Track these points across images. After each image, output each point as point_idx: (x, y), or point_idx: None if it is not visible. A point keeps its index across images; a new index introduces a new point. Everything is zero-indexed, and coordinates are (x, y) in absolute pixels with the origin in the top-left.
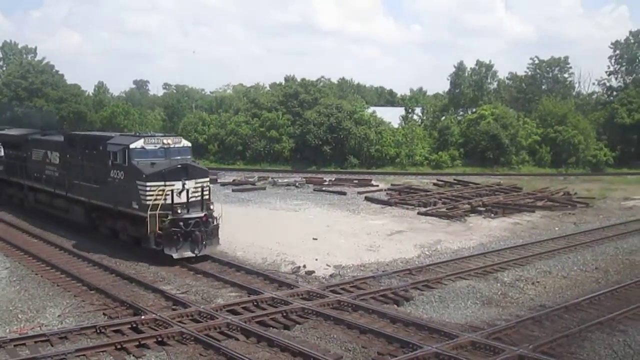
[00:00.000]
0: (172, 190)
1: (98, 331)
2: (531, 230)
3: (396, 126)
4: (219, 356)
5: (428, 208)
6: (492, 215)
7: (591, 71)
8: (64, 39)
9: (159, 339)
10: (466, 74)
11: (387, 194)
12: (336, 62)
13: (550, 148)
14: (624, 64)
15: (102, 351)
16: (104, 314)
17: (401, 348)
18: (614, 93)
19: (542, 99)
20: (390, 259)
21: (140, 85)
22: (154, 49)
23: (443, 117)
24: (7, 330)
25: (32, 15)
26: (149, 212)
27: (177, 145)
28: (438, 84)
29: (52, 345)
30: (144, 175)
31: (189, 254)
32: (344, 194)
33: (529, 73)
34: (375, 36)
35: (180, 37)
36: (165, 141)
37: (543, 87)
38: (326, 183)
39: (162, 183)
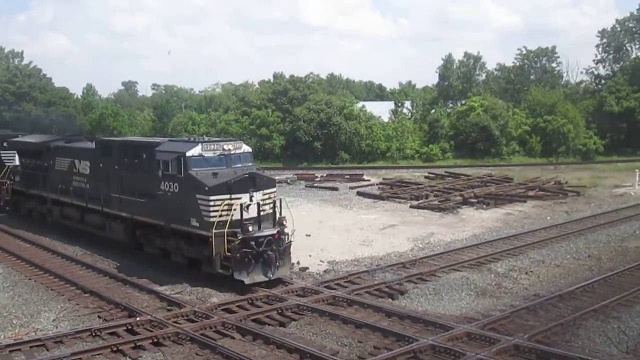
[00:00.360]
0: (240, 205)
1: (93, 334)
2: (523, 220)
3: (386, 120)
4: (215, 355)
5: (420, 201)
6: (484, 206)
7: (579, 60)
8: (50, 42)
9: (155, 340)
10: (454, 66)
11: (378, 188)
12: (324, 58)
13: (540, 138)
14: (611, 52)
15: (98, 354)
16: (98, 316)
17: (397, 342)
18: (602, 81)
19: (530, 89)
20: (383, 253)
21: (129, 86)
22: (141, 49)
23: (433, 110)
24: (2, 336)
25: (17, 19)
26: (213, 231)
27: (237, 151)
28: (427, 77)
29: (47, 350)
30: (206, 188)
31: (261, 278)
32: (336, 189)
33: (517, 63)
34: (363, 31)
35: (168, 37)
36: (225, 147)
37: (531, 77)
38: (318, 179)
39: (228, 196)
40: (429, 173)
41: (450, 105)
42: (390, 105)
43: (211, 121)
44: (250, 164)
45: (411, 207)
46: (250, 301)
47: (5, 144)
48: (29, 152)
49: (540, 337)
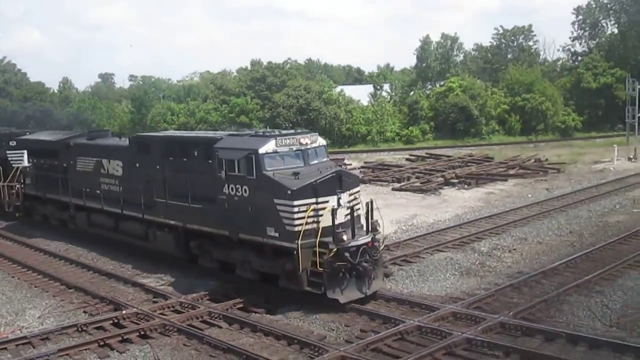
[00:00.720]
0: (332, 209)
1: (79, 329)
2: (505, 198)
3: (365, 104)
4: (203, 345)
5: (402, 183)
6: (466, 186)
7: (555, 38)
8: (23, 36)
9: (142, 333)
10: (432, 48)
11: (360, 171)
12: (302, 44)
13: (519, 116)
14: (587, 29)
15: (85, 349)
16: (84, 311)
17: (384, 324)
18: (579, 58)
19: (508, 68)
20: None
21: (106, 78)
22: (116, 41)
23: (412, 92)
24: None
25: None
26: (299, 242)
27: (313, 145)
28: (405, 60)
29: (34, 347)
30: (288, 192)
31: (357, 295)
32: None
33: (494, 43)
34: (340, 14)
35: (143, 27)
36: (302, 140)
37: (509, 56)
38: None
39: (314, 200)
40: (410, 155)
41: (429, 86)
42: (369, 88)
43: (190, 111)
44: (325, 159)
45: (393, 189)
46: (237, 290)
47: (12, 143)
48: (43, 151)
49: (525, 314)
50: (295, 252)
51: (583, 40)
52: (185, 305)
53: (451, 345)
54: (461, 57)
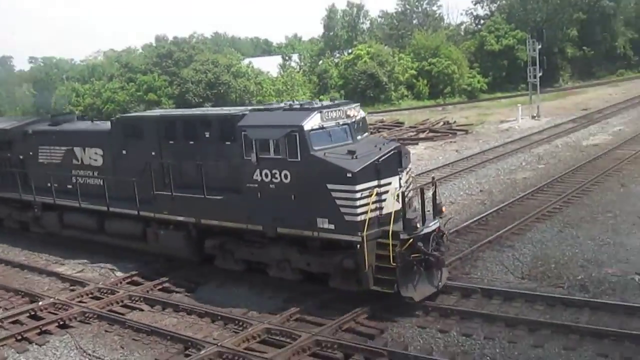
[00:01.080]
0: (402, 193)
1: None
2: (417, 162)
3: (275, 75)
4: (125, 329)
5: None
6: None
7: (458, 2)
8: None
9: (61, 323)
10: (338, 16)
11: None
12: (209, 15)
13: (426, 81)
14: None
15: (2, 345)
16: None
17: (305, 295)
18: (482, 22)
19: (414, 33)
20: None
21: (4, 61)
22: (11, 20)
23: (320, 61)
24: None
25: None
26: (365, 233)
27: (358, 118)
28: (313, 29)
29: None
30: (348, 174)
31: (430, 289)
32: None
33: (400, 9)
34: None
35: (39, 3)
36: (349, 112)
37: (414, 22)
38: None
39: (376, 182)
40: None
41: (338, 55)
42: (278, 59)
43: (96, 91)
44: (366, 133)
45: None
46: (155, 270)
47: None
48: None
49: None
50: (358, 245)
51: (485, 4)
52: (104, 291)
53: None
54: (367, 24)
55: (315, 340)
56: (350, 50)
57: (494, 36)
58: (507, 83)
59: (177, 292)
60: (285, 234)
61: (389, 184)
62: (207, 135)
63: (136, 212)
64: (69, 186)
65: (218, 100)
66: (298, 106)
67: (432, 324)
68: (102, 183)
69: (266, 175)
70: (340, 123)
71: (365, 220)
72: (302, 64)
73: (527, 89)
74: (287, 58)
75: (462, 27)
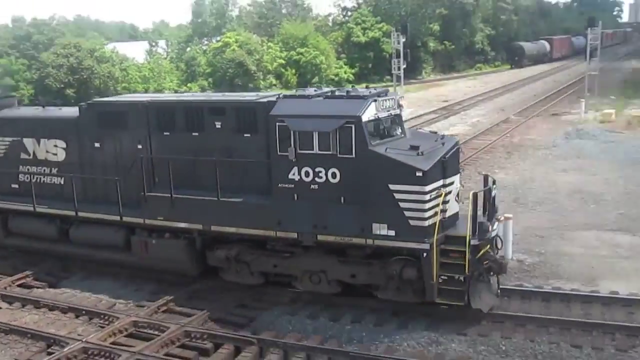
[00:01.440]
0: (475, 194)
1: None
2: None
3: (142, 61)
4: None
5: None
6: None
7: None
8: None
9: None
10: (207, 3)
11: None
12: None
13: (295, 70)
14: None
15: None
16: None
17: (173, 286)
18: (349, 13)
19: (283, 23)
20: None
21: None
22: None
23: (188, 49)
24: None
25: None
26: (434, 239)
27: (402, 108)
28: (181, 16)
29: None
30: (418, 173)
31: (493, 300)
32: None
33: None
34: None
35: None
36: (400, 101)
37: (283, 11)
38: None
39: (442, 182)
40: None
41: (206, 42)
42: (144, 45)
43: None
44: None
45: None
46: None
47: None
48: None
49: None
50: (425, 254)
51: None
52: None
53: None
54: (237, 12)
55: (184, 331)
56: (218, 38)
57: (360, 28)
58: (373, 74)
59: (37, 287)
60: (325, 242)
61: (452, 183)
62: (219, 126)
63: (118, 218)
64: (15, 186)
65: (81, 86)
66: (344, 93)
67: (301, 310)
68: (64, 182)
69: (307, 174)
70: (392, 114)
71: (434, 224)
72: (170, 50)
73: (392, 81)
74: (154, 44)
75: (330, 18)
